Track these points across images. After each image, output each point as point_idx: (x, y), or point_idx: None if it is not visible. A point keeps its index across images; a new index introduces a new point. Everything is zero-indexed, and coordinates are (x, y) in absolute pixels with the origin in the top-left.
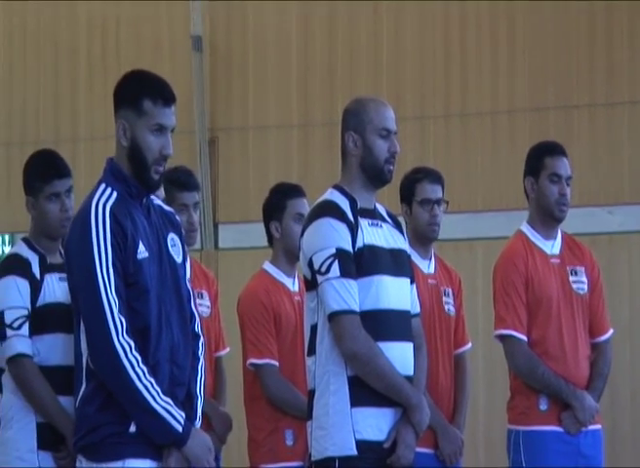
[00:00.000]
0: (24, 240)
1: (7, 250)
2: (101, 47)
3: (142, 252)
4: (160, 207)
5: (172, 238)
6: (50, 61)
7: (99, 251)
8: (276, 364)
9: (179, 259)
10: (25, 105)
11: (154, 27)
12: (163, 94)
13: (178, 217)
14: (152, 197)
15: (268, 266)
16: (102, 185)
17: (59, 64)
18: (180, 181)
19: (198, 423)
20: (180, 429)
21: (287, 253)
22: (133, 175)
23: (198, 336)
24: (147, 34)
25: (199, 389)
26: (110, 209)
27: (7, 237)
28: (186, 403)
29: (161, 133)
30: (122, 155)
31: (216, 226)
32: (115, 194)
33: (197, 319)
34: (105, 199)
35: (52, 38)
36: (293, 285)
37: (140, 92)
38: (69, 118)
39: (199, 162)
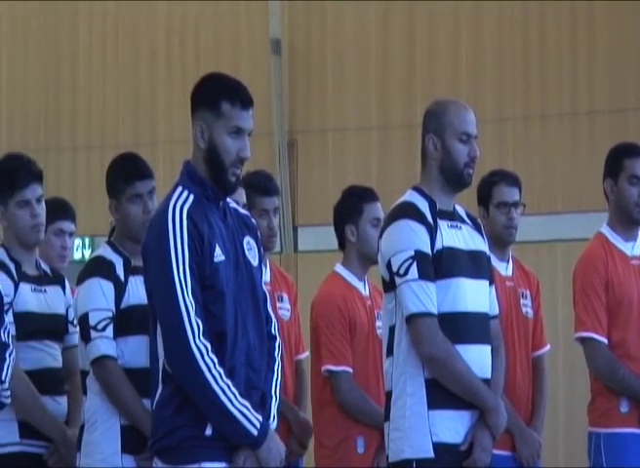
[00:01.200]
0: (109, 243)
1: (87, 253)
2: (180, 49)
3: (219, 255)
4: (236, 210)
5: (248, 241)
6: (129, 64)
7: (175, 253)
8: (351, 371)
9: (255, 263)
10: (105, 109)
11: (233, 30)
12: (241, 97)
13: (257, 222)
14: (228, 200)
15: (341, 269)
16: (179, 188)
17: (137, 67)
18: (261, 186)
19: (273, 423)
20: (255, 433)
21: (362, 258)
22: (210, 177)
23: (274, 338)
24: (226, 37)
25: (274, 389)
26: (187, 211)
27: (87, 240)
28: (260, 403)
29: (239, 135)
30: (199, 157)
31: (295, 229)
32: (192, 197)
33: (274, 321)
34: (182, 202)
35: (131, 41)
36: (364, 289)
37: (218, 94)
38: (149, 121)
39: (278, 165)
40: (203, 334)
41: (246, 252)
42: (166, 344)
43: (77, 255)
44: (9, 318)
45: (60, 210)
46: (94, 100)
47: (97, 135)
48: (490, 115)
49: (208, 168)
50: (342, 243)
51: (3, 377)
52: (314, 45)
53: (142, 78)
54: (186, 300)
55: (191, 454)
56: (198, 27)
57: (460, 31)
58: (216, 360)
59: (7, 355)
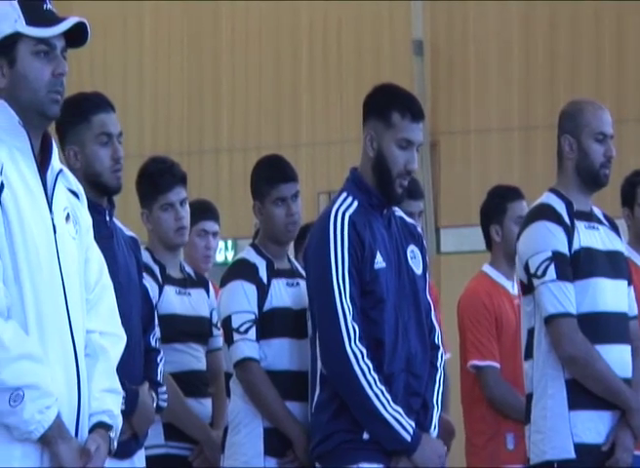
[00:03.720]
0: (252, 245)
1: (229, 255)
2: (323, 51)
3: (380, 262)
4: (402, 218)
5: (412, 250)
6: (271, 66)
7: (335, 258)
8: (498, 366)
9: (418, 271)
10: (247, 111)
11: (375, 31)
12: (412, 109)
13: (419, 230)
14: (394, 208)
15: (488, 269)
16: (344, 194)
17: (280, 69)
18: (407, 190)
19: (434, 433)
20: (408, 438)
21: (507, 257)
22: (376, 186)
23: (437, 348)
24: (368, 38)
25: (436, 399)
26: (350, 217)
27: (230, 243)
28: (422, 412)
29: (407, 147)
30: (367, 165)
31: (437, 231)
32: (356, 203)
33: (437, 331)
34: (345, 207)
35: (273, 42)
36: (512, 288)
37: (389, 105)
38: (291, 123)
39: (420, 166)
40: (359, 339)
41: (409, 260)
42: (322, 347)
43: (220, 258)
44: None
45: (202, 210)
46: (236, 103)
47: (239, 137)
48: (633, 114)
49: (375, 176)
50: (490, 243)
51: (160, 380)
52: (456, 45)
53: (285, 80)
54: (344, 305)
55: (349, 456)
56: (340, 28)
57: (604, 30)
58: (371, 365)
59: (158, 360)
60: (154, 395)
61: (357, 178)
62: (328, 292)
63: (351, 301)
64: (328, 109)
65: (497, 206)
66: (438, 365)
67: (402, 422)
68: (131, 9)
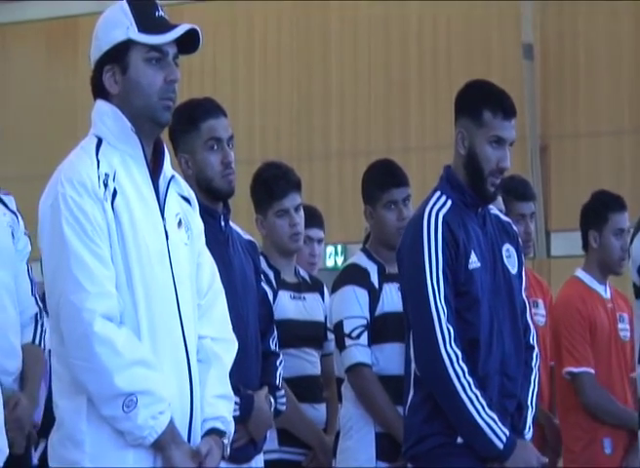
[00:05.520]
0: (363, 250)
1: (339, 260)
2: (432, 55)
3: (474, 261)
4: (497, 217)
5: (507, 249)
6: (381, 70)
7: (429, 258)
8: (593, 371)
9: (513, 271)
10: (357, 115)
11: (485, 35)
12: (504, 106)
13: (515, 228)
14: (490, 206)
15: (581, 274)
16: (437, 193)
17: (389, 73)
18: (518, 192)
19: (528, 434)
20: (500, 446)
21: (601, 264)
22: (468, 184)
23: (532, 348)
24: (478, 41)
25: (530, 400)
26: (443, 217)
27: (339, 247)
28: (516, 414)
29: (499, 145)
30: (459, 163)
31: (548, 234)
32: (450, 202)
33: (532, 331)
34: (439, 207)
35: (383, 45)
36: (605, 292)
37: (480, 102)
38: (400, 127)
39: (530, 169)
40: (454, 341)
41: (504, 259)
42: (416, 350)
43: (330, 263)
44: None
45: (307, 217)
46: (346, 107)
47: (349, 142)
48: None
49: (467, 174)
50: (586, 246)
51: (279, 384)
52: (566, 48)
53: (394, 84)
54: (438, 306)
55: (443, 461)
56: (449, 34)
57: None
58: (466, 368)
59: (277, 363)
60: (272, 400)
61: (451, 176)
62: (422, 293)
63: (446, 302)
64: (437, 113)
65: (598, 212)
66: (533, 365)
67: (495, 429)
68: (240, 11)
